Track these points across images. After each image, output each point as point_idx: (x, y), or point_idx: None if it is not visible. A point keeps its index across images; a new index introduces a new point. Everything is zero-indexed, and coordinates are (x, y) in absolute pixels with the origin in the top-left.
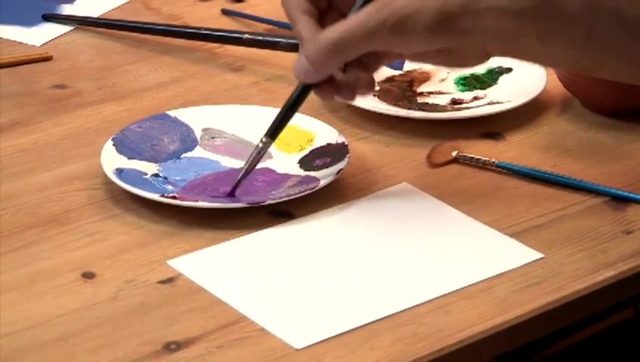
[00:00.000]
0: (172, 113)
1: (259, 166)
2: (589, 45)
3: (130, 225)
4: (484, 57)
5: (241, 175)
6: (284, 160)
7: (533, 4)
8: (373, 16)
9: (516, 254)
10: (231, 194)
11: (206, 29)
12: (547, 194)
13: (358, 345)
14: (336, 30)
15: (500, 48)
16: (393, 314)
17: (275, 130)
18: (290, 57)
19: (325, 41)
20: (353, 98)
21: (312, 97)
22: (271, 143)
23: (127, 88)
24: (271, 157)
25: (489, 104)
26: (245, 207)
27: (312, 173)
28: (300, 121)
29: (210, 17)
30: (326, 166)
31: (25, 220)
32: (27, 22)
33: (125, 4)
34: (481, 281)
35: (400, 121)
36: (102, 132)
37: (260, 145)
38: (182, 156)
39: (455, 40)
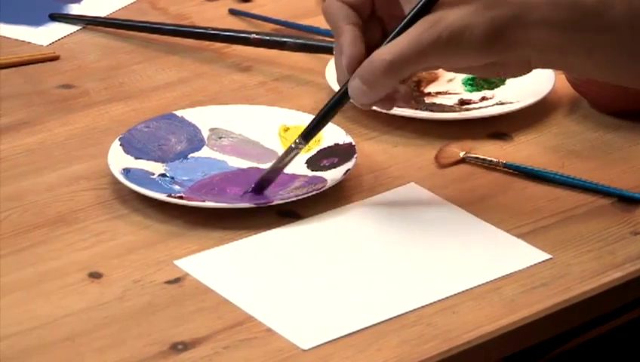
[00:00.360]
0: (179, 113)
1: (265, 166)
2: (636, 57)
3: (137, 225)
4: (526, 69)
5: (265, 173)
6: None
7: (580, 16)
8: (427, 34)
9: (524, 255)
10: (256, 191)
11: (213, 29)
12: (555, 195)
13: (365, 346)
14: (390, 51)
15: (544, 60)
16: (400, 315)
17: (309, 133)
18: (297, 57)
19: (380, 62)
20: (409, 104)
21: (320, 97)
22: (304, 145)
23: (134, 88)
24: None
25: (497, 104)
26: (252, 207)
27: (319, 174)
28: (307, 121)
29: (217, 17)
30: (333, 166)
31: (32, 220)
32: (34, 21)
33: (132, 3)
34: (489, 282)
35: (408, 122)
36: (109, 132)
37: (293, 145)
38: (189, 156)
39: (503, 53)
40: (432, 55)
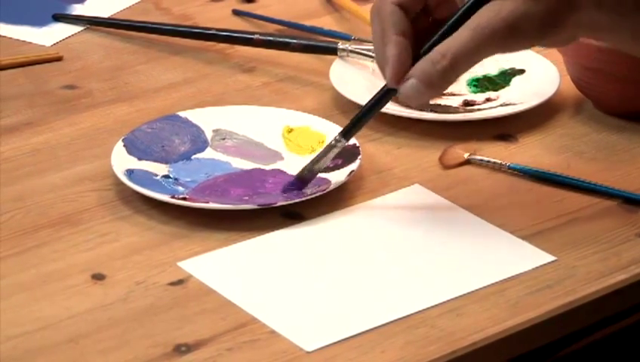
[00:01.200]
0: (183, 114)
1: (269, 167)
2: None
3: (141, 226)
4: (570, 42)
5: (302, 171)
6: (295, 161)
7: (630, 2)
8: (485, 28)
9: (528, 257)
10: (298, 187)
11: (217, 30)
12: (560, 197)
13: (370, 348)
14: (448, 51)
15: (591, 37)
16: (404, 317)
17: (349, 130)
18: (301, 58)
19: (442, 63)
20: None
21: (323, 98)
22: (344, 143)
23: (138, 89)
24: (282, 158)
25: (501, 106)
26: (256, 209)
27: (323, 175)
28: (311, 122)
29: (221, 17)
30: (337, 167)
31: (36, 221)
32: (37, 22)
33: (136, 4)
34: (494, 284)
35: (412, 123)
36: (113, 132)
37: (332, 142)
38: (192, 157)
39: (555, 36)
40: (490, 49)
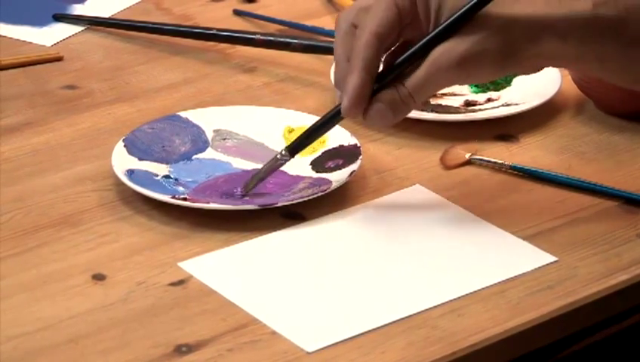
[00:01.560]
0: (183, 114)
1: None
2: None
3: (141, 226)
4: (536, 71)
5: (250, 179)
6: (296, 161)
7: (597, 31)
8: (438, 66)
9: (529, 257)
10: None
11: (217, 30)
12: (561, 197)
13: (370, 349)
14: (409, 84)
15: (555, 66)
16: (405, 318)
17: (296, 147)
18: (302, 58)
19: (404, 93)
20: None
21: (324, 99)
22: (289, 159)
23: (138, 89)
24: None
25: (503, 106)
26: (257, 209)
27: (324, 175)
28: (312, 122)
29: (221, 18)
30: (338, 168)
31: (36, 221)
32: (38, 22)
33: (136, 4)
34: (495, 285)
35: (413, 123)
36: (113, 133)
37: (278, 156)
38: (193, 157)
39: (516, 68)
40: (446, 82)
